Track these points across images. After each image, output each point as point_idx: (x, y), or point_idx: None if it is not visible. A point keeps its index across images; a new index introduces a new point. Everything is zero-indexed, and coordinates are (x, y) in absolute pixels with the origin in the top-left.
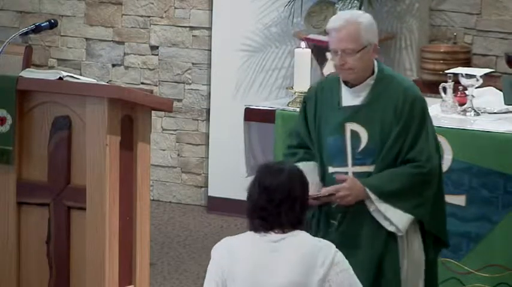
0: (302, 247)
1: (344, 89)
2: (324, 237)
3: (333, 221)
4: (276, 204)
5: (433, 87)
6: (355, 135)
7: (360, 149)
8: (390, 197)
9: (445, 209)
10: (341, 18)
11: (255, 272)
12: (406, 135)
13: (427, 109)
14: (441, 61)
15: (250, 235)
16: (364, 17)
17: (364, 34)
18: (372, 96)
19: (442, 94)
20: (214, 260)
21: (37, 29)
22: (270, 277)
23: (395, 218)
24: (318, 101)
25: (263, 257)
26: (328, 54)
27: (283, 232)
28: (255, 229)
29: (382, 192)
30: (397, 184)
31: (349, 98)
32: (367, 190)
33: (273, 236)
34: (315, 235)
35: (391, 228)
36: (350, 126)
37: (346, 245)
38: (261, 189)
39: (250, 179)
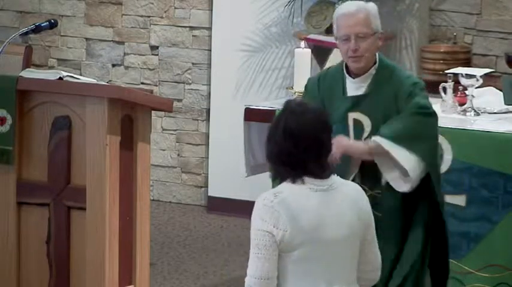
0: (349, 193)
1: (348, 80)
2: None
3: None
4: (314, 151)
5: (433, 87)
6: (358, 124)
7: (363, 137)
8: (395, 139)
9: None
10: (351, 5)
11: (318, 227)
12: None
13: (426, 94)
14: (441, 61)
15: (298, 186)
16: (371, 6)
17: (374, 20)
18: (375, 85)
19: (442, 94)
20: (265, 229)
21: (37, 29)
22: (332, 230)
23: (404, 161)
24: (321, 89)
25: (322, 210)
26: (335, 51)
27: (322, 179)
28: (293, 178)
29: (384, 135)
30: (400, 125)
31: (353, 88)
32: (371, 140)
33: (319, 184)
34: None
35: (398, 176)
36: (353, 115)
37: None
38: (293, 134)
39: (271, 131)
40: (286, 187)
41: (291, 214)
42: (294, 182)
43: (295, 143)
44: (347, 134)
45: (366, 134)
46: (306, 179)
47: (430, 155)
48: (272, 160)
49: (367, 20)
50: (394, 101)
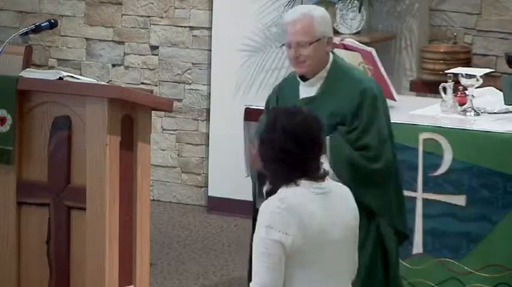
0: (342, 194)
1: (300, 84)
2: None
3: None
4: (313, 150)
5: (433, 87)
6: None
7: None
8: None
9: (402, 200)
10: (295, 12)
11: (323, 230)
12: (357, 125)
13: (381, 100)
14: (441, 61)
15: (300, 190)
16: (317, 10)
17: (318, 27)
18: (326, 87)
19: (442, 94)
20: (274, 238)
21: (37, 29)
22: (335, 232)
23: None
24: (280, 97)
25: (325, 212)
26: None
27: (319, 180)
28: (291, 178)
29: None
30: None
31: (304, 91)
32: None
33: (318, 187)
34: None
35: None
36: None
37: None
38: (295, 134)
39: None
40: (289, 191)
41: (298, 219)
42: (292, 182)
43: (297, 142)
44: None
45: None
46: (304, 181)
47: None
48: (271, 161)
49: (309, 27)
50: (345, 104)
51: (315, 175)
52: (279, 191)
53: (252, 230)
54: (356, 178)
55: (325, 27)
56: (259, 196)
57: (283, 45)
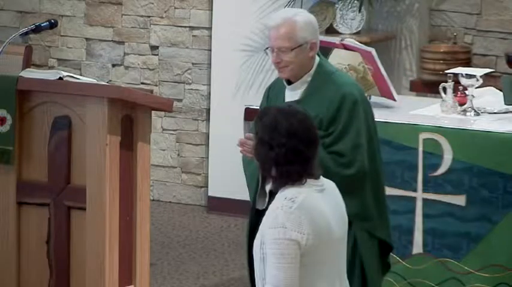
0: (334, 191)
1: (286, 87)
2: None
3: None
4: (315, 148)
5: (433, 87)
6: None
7: None
8: None
9: (383, 208)
10: (278, 17)
11: (329, 227)
12: (333, 130)
13: (362, 105)
14: (441, 61)
15: (305, 189)
16: (301, 16)
17: (300, 32)
18: (310, 91)
19: (442, 94)
20: (290, 237)
21: (37, 29)
22: (337, 229)
23: None
24: (269, 98)
25: (328, 210)
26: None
27: (318, 179)
28: (301, 177)
29: None
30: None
31: (289, 95)
32: None
33: (318, 185)
34: None
35: None
36: None
37: None
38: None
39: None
40: (296, 190)
41: (310, 217)
42: (299, 182)
43: (300, 141)
44: None
45: None
46: (308, 180)
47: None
48: (276, 162)
49: (291, 33)
50: (326, 109)
51: (316, 172)
52: (284, 191)
53: (250, 231)
54: None
55: (308, 33)
56: (260, 196)
57: (267, 48)
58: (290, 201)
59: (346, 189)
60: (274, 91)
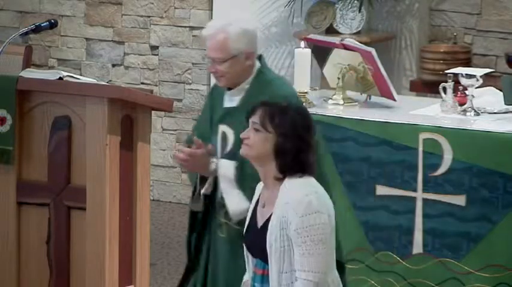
0: None
1: (226, 92)
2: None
3: (221, 234)
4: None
5: (433, 87)
6: (224, 137)
7: (226, 151)
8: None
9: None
10: (212, 27)
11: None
12: None
13: None
14: (441, 61)
15: (311, 180)
16: (235, 26)
17: (233, 44)
18: (247, 99)
19: (442, 94)
20: (325, 221)
21: (37, 29)
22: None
23: (231, 203)
24: (212, 98)
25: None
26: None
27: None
28: (309, 171)
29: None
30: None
31: (228, 100)
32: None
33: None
34: (199, 241)
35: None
36: (222, 127)
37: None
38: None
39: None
40: (308, 179)
41: (328, 201)
42: (312, 171)
43: (313, 134)
44: (216, 146)
45: (228, 148)
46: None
47: None
48: (301, 155)
49: (224, 44)
50: None
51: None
52: (297, 180)
53: (190, 230)
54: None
55: (242, 44)
56: (196, 199)
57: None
58: (311, 187)
59: None
60: (217, 92)
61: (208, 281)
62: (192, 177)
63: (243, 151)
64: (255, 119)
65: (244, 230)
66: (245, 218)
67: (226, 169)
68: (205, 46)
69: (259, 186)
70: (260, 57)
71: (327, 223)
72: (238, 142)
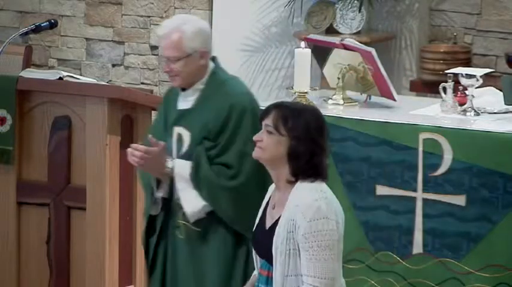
0: None
1: (180, 93)
2: (169, 246)
3: (179, 235)
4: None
5: (433, 87)
6: (180, 138)
7: (181, 152)
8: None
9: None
10: (167, 26)
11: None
12: (220, 141)
13: (251, 115)
14: (441, 61)
15: (322, 184)
16: (189, 25)
17: (188, 43)
18: (201, 100)
19: (442, 94)
20: (332, 228)
21: (37, 29)
22: None
23: (188, 204)
24: (166, 101)
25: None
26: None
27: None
28: (323, 176)
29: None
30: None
31: (182, 101)
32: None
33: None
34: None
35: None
36: (177, 129)
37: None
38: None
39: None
40: (319, 184)
41: (338, 206)
42: (323, 175)
43: (327, 137)
44: (171, 148)
45: (184, 150)
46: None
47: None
48: (315, 158)
49: (178, 43)
50: (214, 118)
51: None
52: (308, 185)
53: (148, 233)
54: (212, 195)
55: (197, 43)
56: (155, 202)
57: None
58: (321, 192)
59: (232, 201)
60: (171, 94)
61: (167, 282)
62: (143, 179)
63: (256, 153)
64: (268, 121)
65: (253, 229)
66: (204, 219)
67: (182, 168)
68: (160, 46)
69: (272, 187)
70: (214, 59)
71: (334, 229)
72: (194, 143)
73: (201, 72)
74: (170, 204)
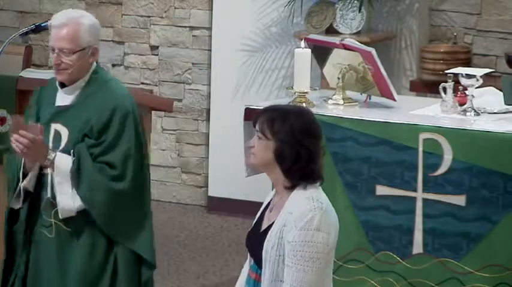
0: None
1: (58, 90)
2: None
3: (47, 234)
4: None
5: (433, 87)
6: (57, 135)
7: (59, 150)
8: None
9: (148, 227)
10: (63, 16)
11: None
12: (103, 140)
13: (133, 117)
14: (441, 61)
15: (319, 191)
16: (87, 19)
17: (84, 36)
18: (81, 98)
19: (442, 94)
20: (322, 240)
21: (37, 29)
22: None
23: (63, 198)
24: (40, 98)
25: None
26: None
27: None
28: (312, 178)
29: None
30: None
31: (61, 98)
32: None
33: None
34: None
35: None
36: (54, 126)
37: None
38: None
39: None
40: (315, 191)
41: (334, 217)
42: (318, 180)
43: (316, 140)
44: (49, 145)
45: (61, 147)
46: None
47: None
48: (301, 161)
49: (74, 35)
50: (95, 117)
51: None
52: (304, 192)
53: (9, 226)
54: (90, 189)
55: (92, 37)
56: (17, 195)
57: (53, 49)
58: (317, 202)
59: (117, 205)
60: (46, 91)
61: (29, 281)
62: (9, 168)
63: (250, 160)
64: (257, 126)
65: (250, 229)
66: (74, 218)
67: (63, 160)
68: (51, 35)
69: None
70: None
71: (324, 242)
72: (73, 141)
73: (85, 70)
74: (39, 201)
